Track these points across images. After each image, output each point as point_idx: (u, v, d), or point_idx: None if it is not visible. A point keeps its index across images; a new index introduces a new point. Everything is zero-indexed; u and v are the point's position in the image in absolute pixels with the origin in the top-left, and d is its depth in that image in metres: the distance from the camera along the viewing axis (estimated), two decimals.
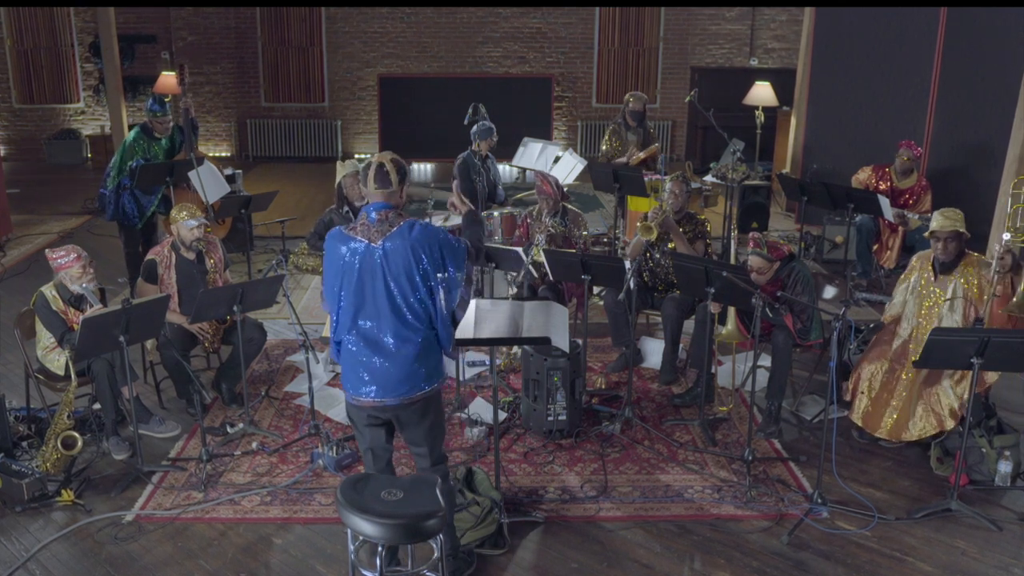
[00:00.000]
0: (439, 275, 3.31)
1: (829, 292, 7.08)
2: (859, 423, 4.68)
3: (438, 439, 3.55)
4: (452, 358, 3.54)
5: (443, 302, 3.33)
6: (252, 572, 3.78)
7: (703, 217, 5.68)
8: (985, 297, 4.45)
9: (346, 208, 5.98)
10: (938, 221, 4.52)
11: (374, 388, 3.34)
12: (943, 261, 4.57)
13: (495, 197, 7.30)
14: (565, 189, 6.39)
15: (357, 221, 3.37)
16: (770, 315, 4.65)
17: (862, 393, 4.69)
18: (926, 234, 4.61)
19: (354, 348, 3.37)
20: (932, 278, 4.63)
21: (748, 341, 4.91)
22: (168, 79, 9.69)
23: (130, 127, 7.80)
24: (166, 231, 6.18)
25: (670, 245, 5.48)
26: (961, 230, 4.48)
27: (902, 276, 4.86)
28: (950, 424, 4.44)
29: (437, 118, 11.39)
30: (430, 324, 3.36)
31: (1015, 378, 5.29)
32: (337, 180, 6.05)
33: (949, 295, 4.53)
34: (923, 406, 4.50)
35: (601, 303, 6.55)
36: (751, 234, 5.00)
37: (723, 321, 5.03)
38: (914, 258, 4.82)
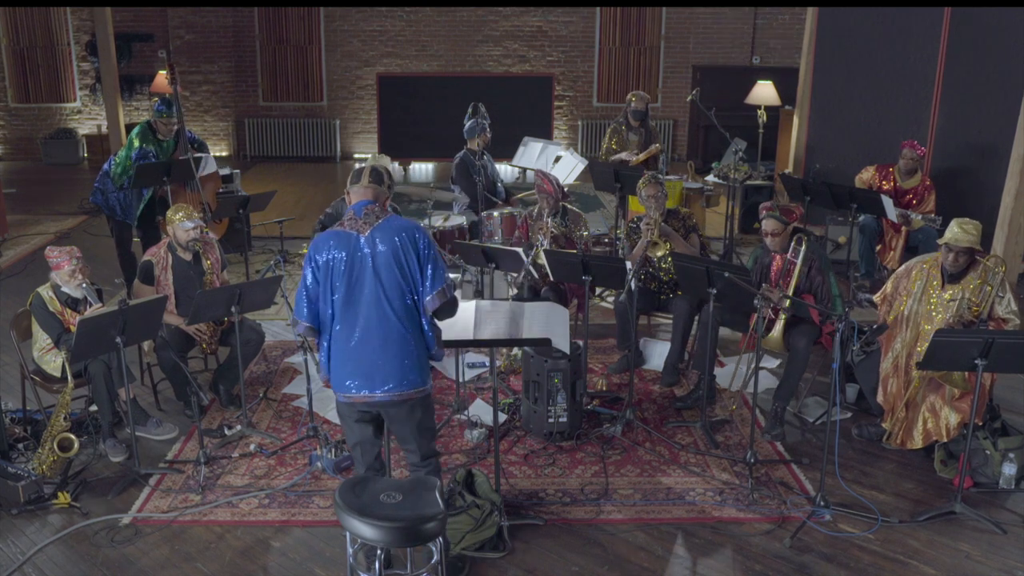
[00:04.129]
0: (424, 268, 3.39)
1: None
2: (895, 446, 4.63)
3: (427, 437, 3.60)
4: (437, 359, 3.56)
5: (427, 297, 3.40)
6: (250, 575, 3.75)
7: (686, 211, 5.63)
8: (980, 307, 4.36)
9: None
10: (954, 233, 4.36)
11: (362, 382, 3.39)
12: (951, 273, 4.46)
13: (496, 193, 7.26)
14: (566, 189, 6.35)
15: (344, 218, 3.45)
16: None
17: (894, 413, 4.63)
18: (939, 241, 4.49)
19: (342, 343, 3.41)
20: (939, 285, 4.51)
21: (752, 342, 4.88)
22: (165, 78, 9.66)
23: (127, 126, 7.77)
24: (163, 232, 6.15)
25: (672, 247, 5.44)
26: (974, 246, 4.35)
27: (900, 273, 4.75)
28: (952, 435, 4.41)
29: (437, 117, 11.35)
30: (418, 320, 3.43)
31: (1019, 379, 5.26)
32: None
33: (954, 310, 4.43)
34: (927, 409, 4.47)
35: (602, 304, 6.52)
36: (762, 204, 4.98)
37: (770, 329, 4.90)
38: (915, 261, 4.73)
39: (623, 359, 5.59)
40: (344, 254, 3.36)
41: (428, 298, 3.40)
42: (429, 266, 3.40)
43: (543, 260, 5.29)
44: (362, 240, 3.37)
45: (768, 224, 4.84)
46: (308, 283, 3.43)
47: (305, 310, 3.44)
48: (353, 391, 3.42)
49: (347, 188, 3.52)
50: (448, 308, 3.49)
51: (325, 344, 3.46)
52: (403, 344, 3.38)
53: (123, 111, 10.18)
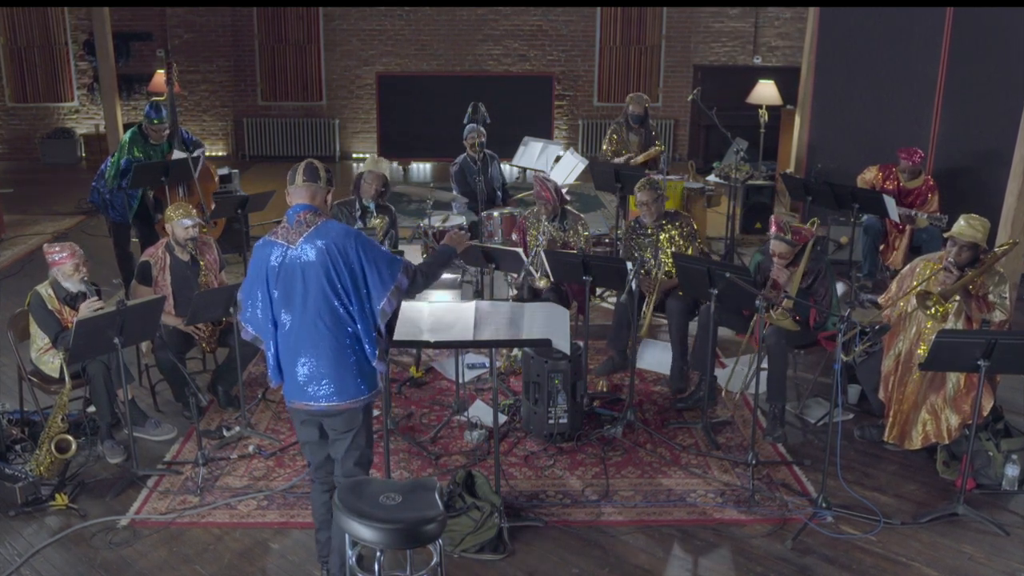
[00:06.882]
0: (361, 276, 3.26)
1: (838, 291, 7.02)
2: (893, 440, 4.61)
3: (353, 454, 3.42)
4: (380, 369, 3.41)
5: (368, 306, 3.28)
6: None
7: (686, 215, 5.57)
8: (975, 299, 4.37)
9: (356, 201, 5.93)
10: (960, 227, 4.37)
11: (298, 390, 3.33)
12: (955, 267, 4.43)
13: (494, 199, 7.22)
14: (565, 190, 6.32)
15: (279, 227, 3.36)
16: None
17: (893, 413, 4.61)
18: (945, 234, 4.51)
19: (281, 351, 3.36)
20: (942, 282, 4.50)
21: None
22: (163, 77, 9.61)
23: (125, 127, 7.72)
24: (160, 233, 6.12)
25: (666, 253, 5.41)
26: (979, 243, 4.35)
27: (904, 272, 4.74)
28: (954, 436, 4.39)
29: (436, 117, 11.32)
30: (355, 330, 3.29)
31: (1021, 380, 5.23)
32: (362, 170, 6.05)
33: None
34: (927, 410, 4.44)
35: (603, 304, 6.50)
36: (773, 217, 4.94)
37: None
38: (918, 260, 4.72)
39: (608, 361, 5.58)
40: (276, 264, 3.29)
41: (381, 304, 3.27)
42: (373, 271, 3.26)
43: (544, 284, 5.33)
44: (292, 251, 3.27)
45: (777, 246, 4.82)
46: (247, 290, 3.41)
47: (248, 314, 3.41)
48: (295, 398, 3.36)
49: (286, 189, 3.40)
50: (416, 290, 3.37)
51: (271, 351, 3.38)
52: (339, 353, 3.27)
53: (121, 111, 10.13)
